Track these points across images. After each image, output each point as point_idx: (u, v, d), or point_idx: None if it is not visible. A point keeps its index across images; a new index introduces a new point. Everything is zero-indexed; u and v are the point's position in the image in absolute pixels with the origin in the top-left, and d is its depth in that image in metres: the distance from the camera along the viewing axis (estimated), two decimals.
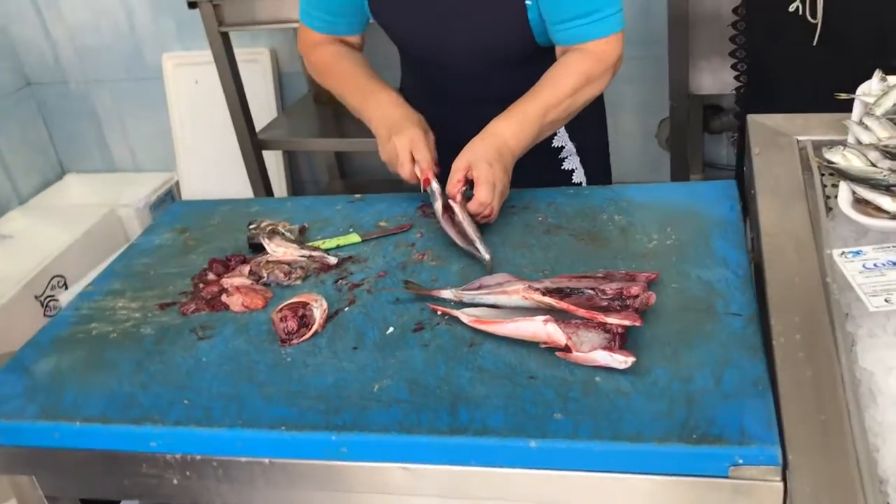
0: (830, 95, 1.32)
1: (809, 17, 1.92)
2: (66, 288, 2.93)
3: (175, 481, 1.05)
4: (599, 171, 1.70)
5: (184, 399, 1.05)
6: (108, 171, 3.59)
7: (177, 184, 3.42)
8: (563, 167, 1.63)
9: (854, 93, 1.27)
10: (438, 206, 1.33)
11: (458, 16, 1.44)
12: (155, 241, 1.46)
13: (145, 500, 1.23)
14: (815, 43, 1.94)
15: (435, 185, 1.35)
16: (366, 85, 1.50)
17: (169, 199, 3.39)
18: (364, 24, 1.60)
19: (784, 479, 0.85)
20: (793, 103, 1.37)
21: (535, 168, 1.39)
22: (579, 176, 1.64)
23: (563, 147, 1.62)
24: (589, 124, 1.64)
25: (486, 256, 1.23)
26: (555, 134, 1.60)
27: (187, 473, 1.04)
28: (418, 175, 1.37)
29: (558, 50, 1.47)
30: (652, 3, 2.51)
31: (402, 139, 1.38)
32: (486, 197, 1.29)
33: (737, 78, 2.25)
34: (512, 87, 1.52)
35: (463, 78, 1.55)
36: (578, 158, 1.64)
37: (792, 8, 1.94)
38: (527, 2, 1.40)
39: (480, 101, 1.56)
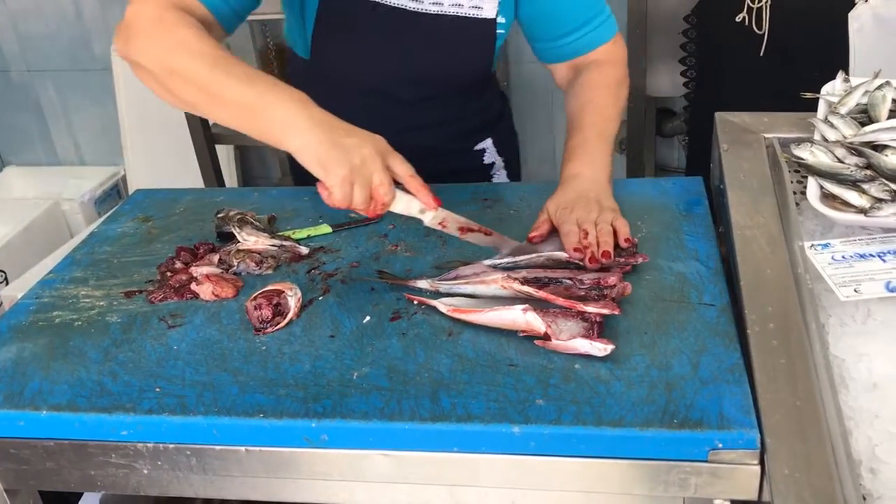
0: (775, 104, 1.36)
1: (755, 29, 1.98)
2: (7, 283, 2.84)
3: (146, 471, 1.02)
4: (517, 180, 1.73)
5: (156, 387, 1.03)
6: (50, 165, 3.49)
7: (123, 178, 3.34)
8: (494, 182, 1.65)
9: (798, 103, 1.31)
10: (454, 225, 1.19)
11: (428, 45, 1.39)
12: (117, 229, 1.42)
13: (109, 493, 1.20)
14: (761, 53, 2.00)
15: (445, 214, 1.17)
16: (255, 74, 1.10)
17: (115, 193, 3.32)
18: (237, 24, 1.29)
19: (762, 463, 0.87)
20: (740, 108, 1.41)
21: (466, 181, 1.41)
22: None
23: (493, 163, 1.63)
24: (511, 137, 1.69)
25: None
26: (485, 150, 1.61)
27: (159, 462, 1.01)
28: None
29: (563, 66, 1.44)
30: (611, 7, 2.54)
31: (367, 173, 1.05)
32: (570, 227, 1.17)
33: (686, 84, 2.31)
34: (450, 112, 1.53)
35: (409, 105, 1.48)
36: (506, 172, 1.66)
37: (739, 18, 2.00)
38: (499, 31, 1.39)
39: (417, 128, 1.51)
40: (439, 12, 1.36)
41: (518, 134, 1.74)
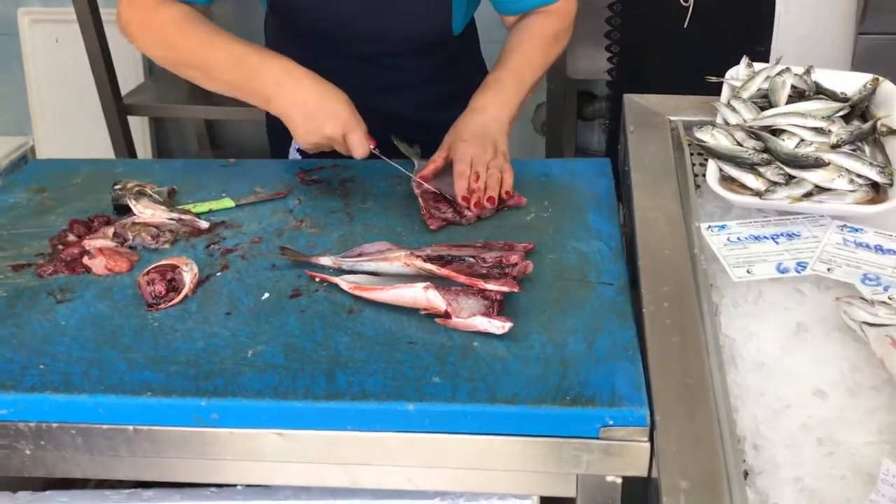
0: (699, 81, 1.38)
1: (682, 1, 2.00)
2: None
3: (28, 451, 0.98)
4: None
5: (39, 364, 0.99)
6: None
7: (32, 149, 3.21)
8: None
9: (722, 78, 1.33)
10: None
11: (382, 2, 1.39)
12: (9, 199, 1.36)
13: None
14: (685, 26, 2.01)
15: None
16: (244, 54, 1.29)
17: (23, 164, 3.18)
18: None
19: (651, 440, 0.89)
20: (663, 88, 1.42)
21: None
22: None
23: None
24: None
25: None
26: None
27: (42, 443, 0.97)
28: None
29: (517, 17, 1.45)
30: None
31: (333, 126, 1.26)
32: (463, 167, 1.25)
33: (610, 60, 2.31)
34: (413, 76, 1.51)
35: (365, 66, 1.47)
36: None
37: None
38: None
39: (379, 90, 1.50)
40: None
41: None
